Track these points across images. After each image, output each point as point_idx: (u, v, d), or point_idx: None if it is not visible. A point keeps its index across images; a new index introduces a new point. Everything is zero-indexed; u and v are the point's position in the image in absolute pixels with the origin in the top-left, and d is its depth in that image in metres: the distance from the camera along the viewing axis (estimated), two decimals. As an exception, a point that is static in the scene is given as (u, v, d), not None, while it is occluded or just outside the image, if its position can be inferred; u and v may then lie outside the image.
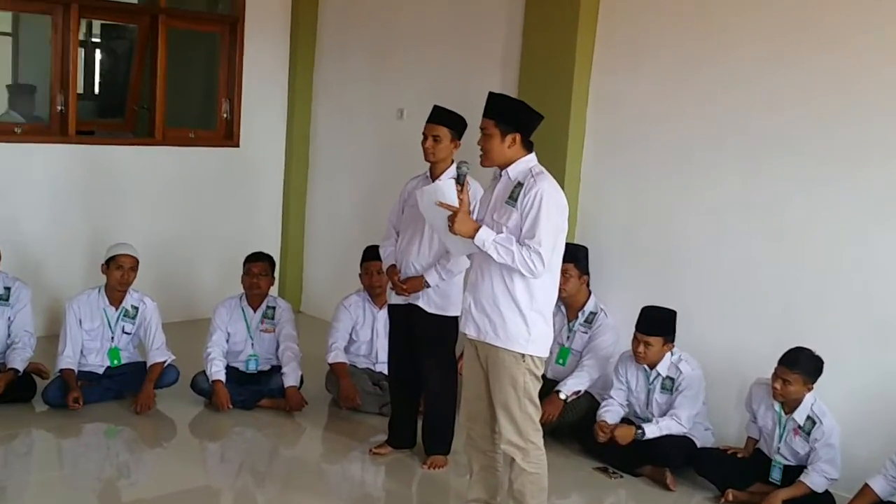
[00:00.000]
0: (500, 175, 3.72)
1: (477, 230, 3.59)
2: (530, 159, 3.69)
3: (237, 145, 7.31)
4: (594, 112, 5.52)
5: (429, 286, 4.47)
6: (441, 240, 4.07)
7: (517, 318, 3.63)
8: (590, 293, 5.27)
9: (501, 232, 3.61)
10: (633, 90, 5.36)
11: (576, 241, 5.43)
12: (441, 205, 3.64)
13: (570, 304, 5.24)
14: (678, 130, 5.18)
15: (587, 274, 5.28)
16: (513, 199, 3.61)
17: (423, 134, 4.46)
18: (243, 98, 7.26)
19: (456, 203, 3.64)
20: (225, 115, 7.28)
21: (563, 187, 3.84)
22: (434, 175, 4.48)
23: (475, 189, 4.29)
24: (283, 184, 7.62)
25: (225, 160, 7.29)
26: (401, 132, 6.71)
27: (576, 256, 5.15)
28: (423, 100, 6.07)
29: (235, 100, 7.24)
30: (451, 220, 3.61)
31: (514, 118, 3.64)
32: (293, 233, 7.64)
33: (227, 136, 7.30)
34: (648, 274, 5.33)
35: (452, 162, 4.45)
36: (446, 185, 3.70)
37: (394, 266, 4.59)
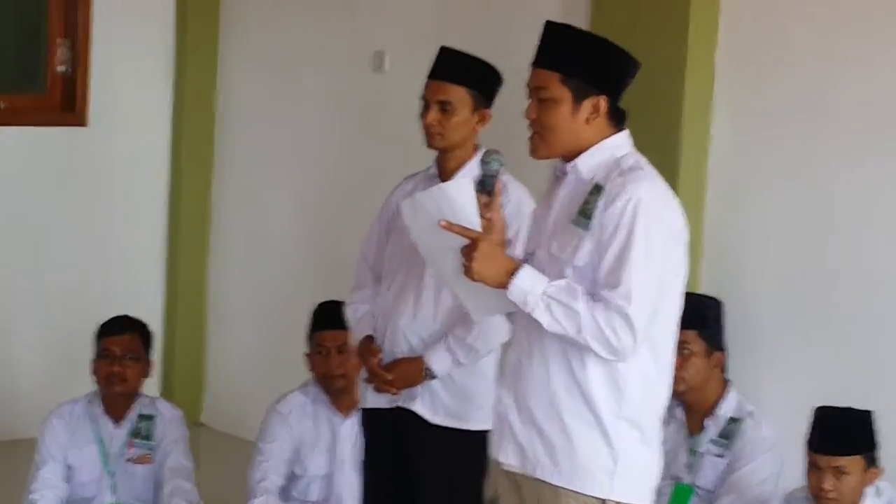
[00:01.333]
0: (565, 172, 3.74)
1: (512, 273, 3.59)
2: (619, 142, 3.71)
3: (83, 123, 7.37)
4: (729, 53, 5.56)
5: (434, 377, 4.51)
6: (452, 291, 4.06)
7: (593, 434, 3.64)
8: (727, 384, 5.29)
9: (564, 276, 3.61)
10: (800, 14, 5.40)
11: (701, 292, 5.47)
12: (447, 226, 3.62)
13: (693, 405, 5.27)
14: (888, 83, 5.21)
15: (722, 350, 5.31)
16: (585, 214, 3.62)
17: (424, 99, 4.52)
18: (94, 38, 7.32)
19: (475, 221, 3.63)
20: (62, 70, 7.35)
21: (675, 191, 3.85)
22: (444, 173, 4.55)
23: (518, 199, 4.34)
24: (167, 195, 7.68)
25: (63, 151, 7.35)
26: (380, 95, 6.76)
27: (702, 318, 5.18)
28: (418, 37, 6.14)
29: (80, 42, 7.30)
30: (468, 253, 3.61)
31: (596, 68, 3.65)
32: (186, 283, 7.70)
33: (66, 106, 7.37)
34: (832, 347, 5.34)
35: (476, 149, 4.50)
36: (456, 189, 3.70)
37: (371, 339, 4.63)
